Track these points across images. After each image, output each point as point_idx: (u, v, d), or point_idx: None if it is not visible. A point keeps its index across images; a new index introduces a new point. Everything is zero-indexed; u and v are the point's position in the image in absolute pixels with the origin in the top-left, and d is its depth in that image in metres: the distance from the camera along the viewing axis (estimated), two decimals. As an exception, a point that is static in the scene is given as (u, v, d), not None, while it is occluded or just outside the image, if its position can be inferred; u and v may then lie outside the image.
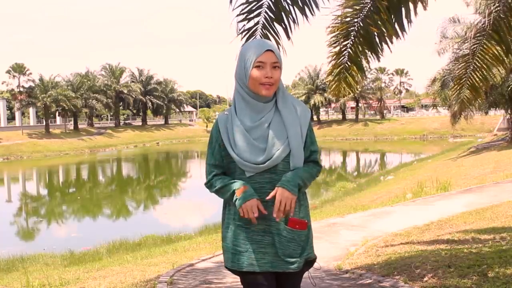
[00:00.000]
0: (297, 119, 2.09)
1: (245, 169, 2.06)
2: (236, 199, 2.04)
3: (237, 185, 2.05)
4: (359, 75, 4.37)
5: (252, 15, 3.78)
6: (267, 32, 3.85)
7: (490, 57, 4.66)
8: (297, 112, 2.11)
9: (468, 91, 5.09)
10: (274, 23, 3.83)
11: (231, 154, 2.07)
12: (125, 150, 51.35)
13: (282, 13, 3.76)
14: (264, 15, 3.79)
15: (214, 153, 2.14)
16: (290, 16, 3.78)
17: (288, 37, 3.83)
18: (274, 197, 2.03)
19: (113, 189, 26.00)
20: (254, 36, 3.86)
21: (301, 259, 2.08)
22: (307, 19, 3.75)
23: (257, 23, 3.82)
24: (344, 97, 4.78)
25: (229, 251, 2.11)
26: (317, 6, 3.75)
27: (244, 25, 3.80)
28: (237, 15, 3.72)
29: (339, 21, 4.00)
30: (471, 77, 4.94)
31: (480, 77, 4.86)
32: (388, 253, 5.26)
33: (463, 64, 4.97)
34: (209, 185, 2.16)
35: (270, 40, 3.84)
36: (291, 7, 3.75)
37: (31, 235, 15.40)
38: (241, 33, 3.82)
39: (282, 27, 3.82)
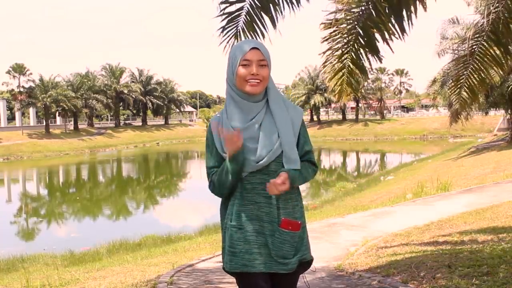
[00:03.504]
0: (288, 119, 2.09)
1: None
2: (228, 162, 2.03)
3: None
4: (362, 77, 4.35)
5: None
6: (251, 20, 3.75)
7: (488, 58, 4.64)
8: (289, 112, 2.10)
9: (466, 93, 5.08)
10: (261, 12, 3.73)
11: (222, 155, 2.07)
12: (125, 150, 51.33)
13: (270, 4, 3.67)
14: (250, 2, 3.69)
15: (213, 155, 2.13)
16: (277, 7, 3.69)
17: (274, 26, 3.73)
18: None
19: (113, 189, 25.98)
20: (236, 21, 3.76)
21: (295, 260, 2.08)
22: (294, 11, 3.68)
23: (241, 8, 3.72)
24: (348, 100, 4.74)
25: (224, 252, 2.12)
26: None
27: (225, 7, 3.68)
28: None
29: (340, 24, 3.98)
30: (469, 79, 4.92)
31: (478, 78, 4.84)
32: (388, 253, 5.26)
33: (461, 65, 4.95)
34: (212, 185, 2.13)
35: (254, 28, 3.78)
36: None
37: (31, 235, 15.40)
38: (222, 15, 3.70)
39: (268, 17, 3.73)
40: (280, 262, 2.05)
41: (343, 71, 4.29)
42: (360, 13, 3.86)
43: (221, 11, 3.69)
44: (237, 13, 3.74)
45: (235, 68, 2.04)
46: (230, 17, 3.76)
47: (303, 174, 2.10)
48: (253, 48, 2.04)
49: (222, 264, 2.17)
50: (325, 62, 4.36)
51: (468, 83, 4.93)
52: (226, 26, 3.80)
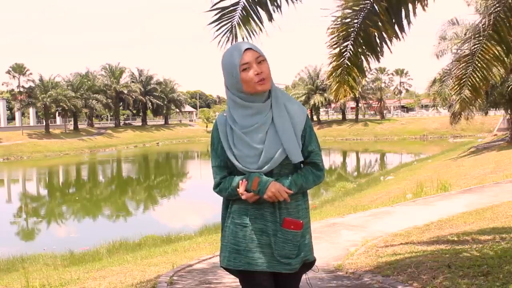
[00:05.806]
0: (288, 120, 2.06)
1: (244, 172, 2.05)
2: (255, 192, 2.00)
3: (250, 181, 2.01)
4: (359, 77, 4.33)
5: None
6: (248, 15, 3.70)
7: (490, 57, 4.65)
8: (290, 112, 2.08)
9: (468, 91, 5.09)
10: (257, 6, 3.68)
11: (229, 157, 2.06)
12: (125, 150, 51.31)
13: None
14: None
15: (218, 154, 2.11)
16: (275, 2, 3.64)
17: (270, 20, 3.67)
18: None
19: (113, 190, 25.97)
20: (231, 16, 3.70)
21: (298, 260, 2.07)
22: (294, 5, 3.64)
23: (237, 3, 3.66)
24: (346, 100, 4.72)
25: (226, 249, 2.10)
26: None
27: (219, 1, 3.62)
28: None
29: (339, 23, 3.96)
30: (472, 77, 4.93)
31: (481, 77, 4.85)
32: (388, 253, 5.26)
33: (463, 64, 4.96)
34: (218, 189, 2.12)
35: (251, 23, 3.73)
36: None
37: (31, 235, 15.40)
38: (214, 9, 3.63)
39: (265, 11, 3.67)
40: (283, 262, 2.04)
41: (340, 70, 4.27)
42: (360, 12, 3.84)
43: (213, 5, 3.61)
44: (232, 8, 3.67)
45: (238, 76, 2.01)
46: (223, 12, 3.68)
47: (297, 183, 2.07)
48: (246, 49, 2.03)
49: (220, 263, 2.15)
50: (331, 66, 4.33)
51: (471, 81, 4.93)
52: (220, 21, 3.71)
